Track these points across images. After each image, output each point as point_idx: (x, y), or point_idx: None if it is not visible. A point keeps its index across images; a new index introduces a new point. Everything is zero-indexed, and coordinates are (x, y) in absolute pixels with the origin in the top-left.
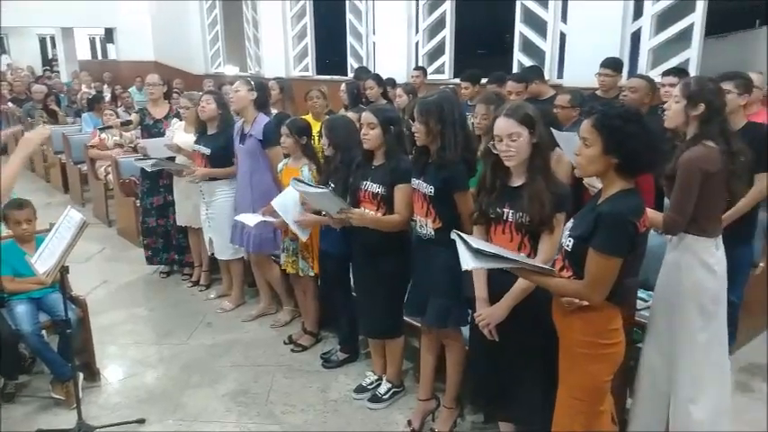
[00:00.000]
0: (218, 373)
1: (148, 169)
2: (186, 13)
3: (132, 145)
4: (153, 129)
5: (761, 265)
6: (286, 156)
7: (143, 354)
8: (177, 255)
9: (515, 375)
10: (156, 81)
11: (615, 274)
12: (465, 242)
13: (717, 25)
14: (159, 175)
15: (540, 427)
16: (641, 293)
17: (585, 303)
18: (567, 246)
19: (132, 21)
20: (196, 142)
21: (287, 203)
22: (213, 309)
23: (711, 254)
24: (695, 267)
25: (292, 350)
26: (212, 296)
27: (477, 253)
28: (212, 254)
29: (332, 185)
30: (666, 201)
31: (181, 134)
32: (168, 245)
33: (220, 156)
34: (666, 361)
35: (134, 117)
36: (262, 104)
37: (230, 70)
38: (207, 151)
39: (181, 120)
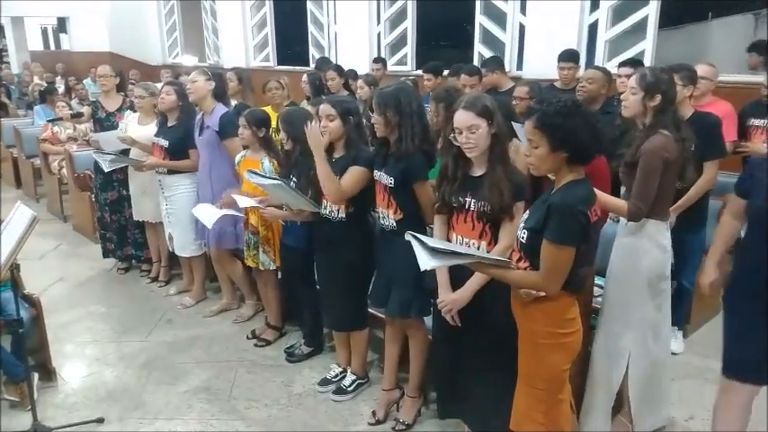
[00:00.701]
0: (179, 369)
1: (105, 169)
2: (142, 3)
3: (86, 138)
4: (106, 122)
5: None
6: (245, 147)
7: (101, 352)
8: (134, 250)
9: (475, 370)
10: (108, 72)
11: (569, 263)
12: (421, 242)
13: (671, 17)
14: (113, 170)
15: (493, 428)
16: (598, 280)
17: (542, 294)
18: (522, 238)
19: (86, 10)
20: (156, 134)
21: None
22: (173, 305)
23: (665, 236)
24: (651, 249)
25: (255, 345)
26: (172, 292)
27: (434, 252)
28: (173, 250)
29: (294, 179)
30: (623, 189)
31: (135, 126)
32: (123, 241)
33: (179, 148)
34: (617, 339)
35: (86, 110)
36: (220, 95)
37: (188, 60)
38: (165, 143)
39: (135, 111)
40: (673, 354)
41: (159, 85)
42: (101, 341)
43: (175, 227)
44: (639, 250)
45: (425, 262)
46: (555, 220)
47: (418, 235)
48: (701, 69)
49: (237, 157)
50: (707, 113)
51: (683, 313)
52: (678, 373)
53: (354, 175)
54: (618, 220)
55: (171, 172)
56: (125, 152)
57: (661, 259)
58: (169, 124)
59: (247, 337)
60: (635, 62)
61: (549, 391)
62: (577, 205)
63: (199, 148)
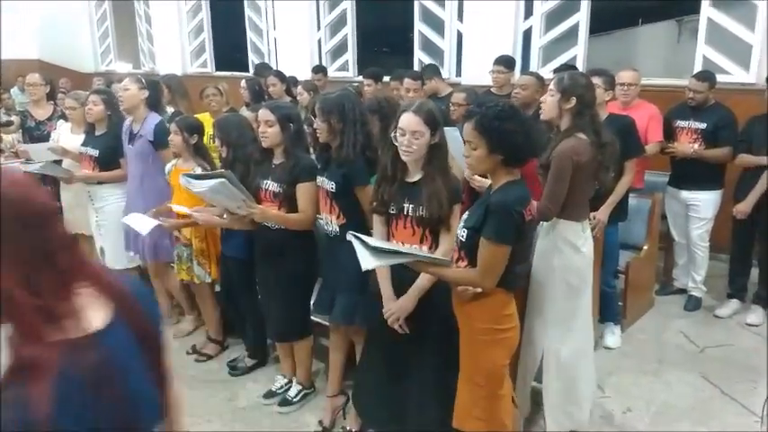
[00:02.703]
0: None
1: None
2: (73, 7)
3: (13, 150)
4: (36, 131)
5: (644, 247)
6: (176, 156)
7: None
8: None
9: (411, 373)
10: (37, 81)
11: (504, 261)
12: (362, 242)
13: (602, 23)
14: (43, 181)
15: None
16: None
17: (479, 290)
18: (462, 236)
19: (13, 16)
20: (83, 144)
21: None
22: None
23: (579, 236)
24: (565, 249)
25: (196, 360)
26: None
27: (376, 251)
28: (105, 264)
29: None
30: None
31: (67, 136)
32: None
33: (109, 158)
34: (532, 333)
35: (15, 119)
36: (154, 103)
37: (122, 68)
38: (95, 153)
39: (67, 121)
40: (610, 348)
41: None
42: None
43: (106, 239)
44: (553, 250)
45: (367, 261)
46: (492, 219)
47: (359, 234)
48: (626, 77)
49: (168, 167)
50: (621, 116)
51: (614, 310)
52: (615, 367)
53: (308, 192)
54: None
55: (100, 182)
56: (57, 163)
57: (575, 259)
58: (97, 133)
59: (187, 353)
60: (568, 68)
61: (489, 387)
62: (514, 205)
63: (128, 158)
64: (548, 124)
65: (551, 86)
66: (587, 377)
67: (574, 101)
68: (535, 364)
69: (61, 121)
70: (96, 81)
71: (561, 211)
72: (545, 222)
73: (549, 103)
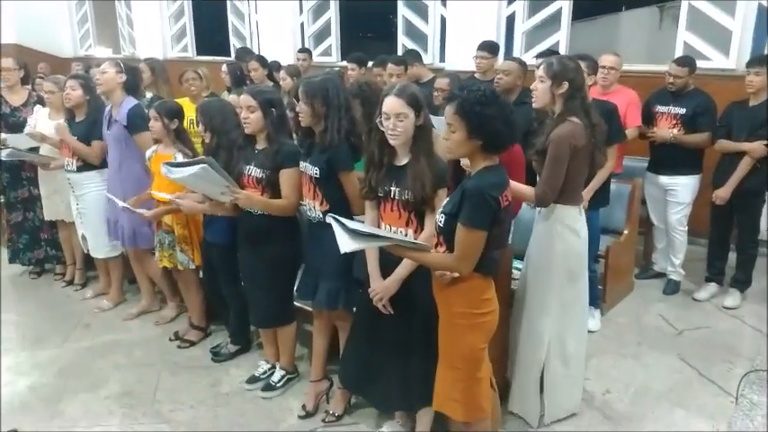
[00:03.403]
0: (98, 375)
1: (2, 158)
2: None
3: None
4: (11, 117)
5: (624, 232)
6: (156, 142)
7: (14, 361)
8: (54, 251)
9: (394, 353)
10: (11, 65)
11: (481, 246)
12: (341, 224)
13: (585, 10)
14: (21, 167)
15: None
16: (516, 263)
17: (456, 275)
18: (440, 222)
19: None
20: None
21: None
22: (91, 309)
23: (577, 220)
24: (565, 234)
25: (179, 347)
26: (89, 296)
27: (354, 234)
28: (87, 251)
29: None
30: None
31: (45, 122)
32: (35, 242)
33: (89, 143)
34: (537, 323)
35: None
36: (132, 88)
37: (102, 52)
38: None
39: (44, 106)
40: (590, 332)
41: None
42: (12, 350)
43: (88, 227)
44: (554, 236)
45: (345, 244)
46: (468, 204)
47: (338, 217)
48: (608, 60)
49: (148, 153)
50: (603, 101)
51: (594, 294)
52: (595, 350)
53: (291, 177)
54: (535, 206)
55: (80, 170)
56: (34, 150)
57: (575, 244)
58: (77, 120)
59: (170, 339)
60: (551, 53)
61: (468, 370)
62: (489, 191)
63: (107, 143)
64: (537, 111)
65: (541, 72)
66: (582, 362)
67: (566, 85)
68: (543, 353)
69: (38, 106)
70: (75, 66)
71: (559, 196)
72: (541, 208)
73: (540, 90)
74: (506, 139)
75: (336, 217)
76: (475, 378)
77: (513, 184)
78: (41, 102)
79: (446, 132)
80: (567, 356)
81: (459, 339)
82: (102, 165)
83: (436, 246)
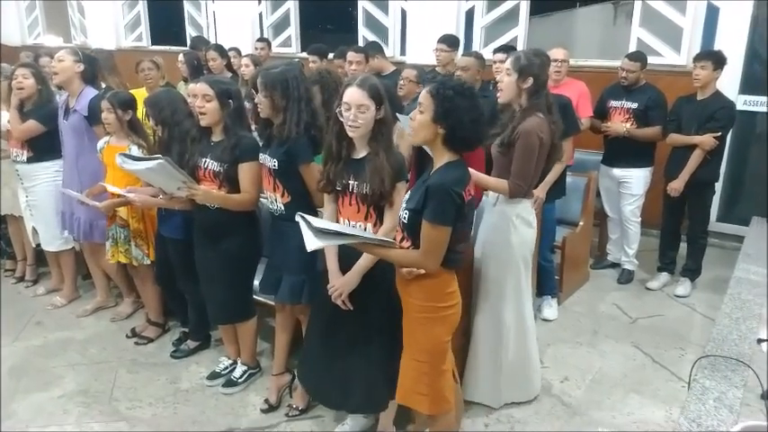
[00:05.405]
0: (51, 374)
1: None
2: None
3: None
4: None
5: (580, 223)
6: (108, 134)
7: None
8: (3, 244)
9: (354, 354)
10: None
11: (446, 241)
12: (307, 223)
13: (542, 5)
14: None
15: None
16: None
17: (423, 271)
18: (404, 218)
19: None
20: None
21: None
22: (43, 306)
23: (530, 212)
24: (519, 226)
25: (136, 343)
26: (41, 292)
27: (319, 232)
28: (38, 245)
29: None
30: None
31: None
32: None
33: (39, 135)
34: (497, 313)
35: None
36: (90, 78)
37: (52, 41)
38: None
39: None
40: (548, 320)
41: (13, 68)
42: None
43: (39, 220)
44: (509, 228)
45: (311, 242)
46: (432, 201)
47: (305, 216)
48: (560, 53)
49: (100, 144)
50: (558, 95)
51: (551, 284)
52: (552, 338)
53: (251, 171)
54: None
55: (30, 161)
56: None
57: (529, 234)
58: (25, 109)
59: (127, 336)
60: (508, 48)
61: (432, 362)
62: (452, 186)
63: (63, 133)
64: (505, 108)
65: (507, 65)
66: (535, 348)
67: (531, 80)
68: (503, 339)
69: None
70: (24, 55)
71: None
72: (490, 199)
73: (506, 84)
74: (470, 137)
75: (304, 215)
76: (440, 371)
77: (484, 177)
78: None
79: (415, 112)
80: (526, 341)
81: (424, 333)
82: (54, 155)
83: (401, 241)
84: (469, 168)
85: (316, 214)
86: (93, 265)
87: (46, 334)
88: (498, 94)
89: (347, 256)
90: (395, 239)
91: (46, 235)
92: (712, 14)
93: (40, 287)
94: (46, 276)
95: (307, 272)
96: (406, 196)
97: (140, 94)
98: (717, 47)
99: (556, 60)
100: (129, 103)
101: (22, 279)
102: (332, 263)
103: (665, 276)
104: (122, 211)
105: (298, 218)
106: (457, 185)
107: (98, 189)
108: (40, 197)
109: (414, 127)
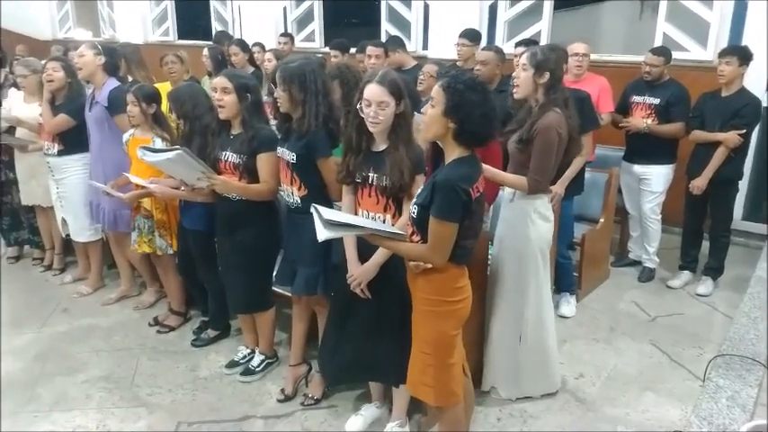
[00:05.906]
0: (76, 360)
1: None
2: None
3: None
4: None
5: (600, 220)
6: (134, 126)
7: None
8: (30, 235)
9: (371, 338)
10: None
11: (453, 237)
12: (319, 214)
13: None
14: None
15: (393, 379)
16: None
17: (430, 266)
18: (413, 213)
19: None
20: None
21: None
22: (69, 294)
23: (547, 207)
24: (537, 221)
25: (158, 332)
26: (68, 280)
27: (328, 223)
28: (67, 235)
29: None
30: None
31: (20, 105)
32: (18, 223)
33: (69, 128)
34: (516, 308)
35: None
36: (112, 69)
37: (82, 35)
38: None
39: (19, 89)
40: (565, 317)
41: (44, 62)
42: None
43: (69, 211)
44: (527, 223)
45: (321, 233)
46: (438, 196)
47: (318, 207)
48: (581, 48)
49: (125, 136)
50: (576, 90)
51: (569, 280)
52: (569, 335)
53: (269, 163)
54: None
55: (61, 154)
56: (10, 132)
57: (546, 228)
58: (57, 103)
59: (149, 324)
60: (529, 42)
61: (437, 355)
62: (458, 183)
63: (89, 125)
64: (519, 102)
65: (524, 61)
66: (554, 343)
67: (547, 75)
68: (521, 333)
69: (13, 89)
70: (54, 49)
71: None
72: (506, 194)
73: (523, 79)
74: (480, 131)
75: (317, 206)
76: (446, 364)
77: (501, 173)
78: (16, 85)
79: (427, 106)
80: (544, 336)
81: (430, 326)
82: (84, 148)
83: (411, 235)
84: (487, 165)
85: (331, 207)
86: (117, 254)
87: (71, 321)
88: (514, 90)
89: (366, 247)
90: (409, 232)
91: (75, 226)
92: (740, 9)
93: (66, 275)
94: (73, 265)
95: (321, 264)
96: (417, 191)
97: (165, 88)
98: (744, 42)
99: (577, 54)
100: (153, 97)
101: (49, 267)
102: (351, 252)
103: (686, 275)
104: (146, 202)
105: (312, 209)
106: (463, 181)
107: (123, 180)
108: (69, 189)
109: (425, 121)
